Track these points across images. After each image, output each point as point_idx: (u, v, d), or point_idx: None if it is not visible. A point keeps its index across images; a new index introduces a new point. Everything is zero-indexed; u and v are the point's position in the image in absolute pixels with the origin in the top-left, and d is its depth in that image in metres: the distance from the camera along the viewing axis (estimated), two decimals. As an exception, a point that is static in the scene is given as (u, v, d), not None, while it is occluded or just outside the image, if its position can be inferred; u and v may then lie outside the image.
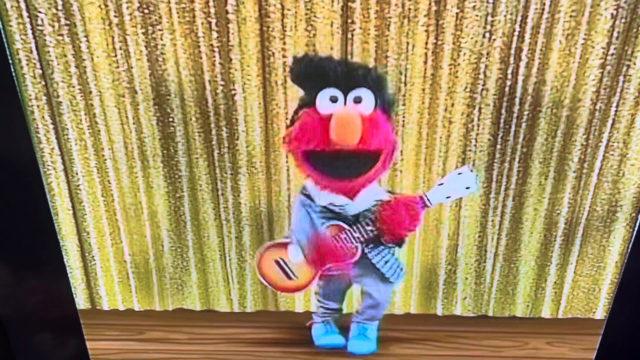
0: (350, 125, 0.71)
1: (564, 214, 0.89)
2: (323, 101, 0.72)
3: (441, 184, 0.80)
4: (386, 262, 0.86)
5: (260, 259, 0.87)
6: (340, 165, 0.74)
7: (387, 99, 0.76)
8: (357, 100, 0.72)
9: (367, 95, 0.72)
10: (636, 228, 0.89)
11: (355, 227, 0.81)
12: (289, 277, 0.87)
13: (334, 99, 0.72)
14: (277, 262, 0.87)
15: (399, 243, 0.82)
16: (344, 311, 0.96)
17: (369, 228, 0.80)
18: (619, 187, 0.86)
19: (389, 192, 0.81)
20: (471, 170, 0.81)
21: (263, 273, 0.88)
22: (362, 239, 0.82)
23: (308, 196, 0.81)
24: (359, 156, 0.73)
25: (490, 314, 1.00)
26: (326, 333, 0.94)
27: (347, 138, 0.71)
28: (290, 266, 0.86)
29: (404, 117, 0.82)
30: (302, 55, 0.77)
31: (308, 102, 0.75)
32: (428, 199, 0.81)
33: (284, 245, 0.85)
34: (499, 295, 0.98)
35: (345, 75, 0.73)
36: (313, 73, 0.74)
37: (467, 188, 0.82)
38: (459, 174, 0.80)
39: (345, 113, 0.71)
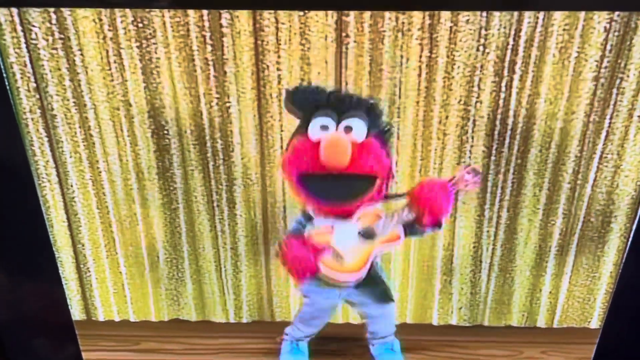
0: (339, 146, 0.71)
1: (558, 225, 0.89)
2: (314, 129, 0.73)
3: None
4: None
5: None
6: (334, 188, 0.74)
7: (381, 129, 0.76)
8: (348, 129, 0.72)
9: (357, 124, 0.72)
10: (630, 238, 0.89)
11: (391, 214, 0.79)
12: (342, 262, 0.84)
13: (324, 127, 0.73)
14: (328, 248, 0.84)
15: (439, 224, 0.81)
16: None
17: (405, 213, 0.78)
18: (613, 198, 0.86)
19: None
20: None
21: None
22: (401, 222, 0.80)
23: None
24: (352, 180, 0.73)
25: (485, 323, 1.00)
26: (291, 351, 0.93)
27: (337, 158, 0.71)
28: (341, 251, 0.84)
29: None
30: (294, 87, 0.78)
31: (301, 130, 0.75)
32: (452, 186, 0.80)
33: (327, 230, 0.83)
34: (494, 304, 0.98)
35: (337, 106, 0.73)
36: (305, 103, 0.74)
37: (475, 183, 0.81)
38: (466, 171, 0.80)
39: (334, 138, 0.71)
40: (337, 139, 0.72)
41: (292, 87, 0.78)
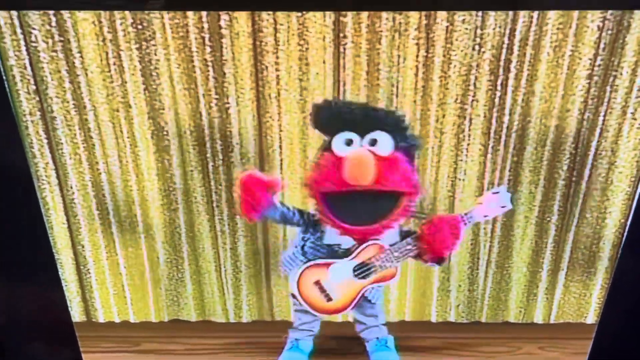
0: (362, 164, 0.70)
1: (554, 221, 0.91)
2: (339, 144, 0.73)
3: (480, 203, 0.80)
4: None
5: (299, 280, 0.85)
6: (359, 208, 0.73)
7: (408, 143, 0.76)
8: (373, 142, 0.72)
9: (383, 138, 0.72)
10: (625, 234, 0.90)
11: (396, 247, 0.80)
12: (329, 299, 0.84)
13: (349, 142, 0.73)
14: (317, 283, 0.85)
15: (440, 261, 0.81)
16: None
17: (410, 247, 0.79)
18: (608, 195, 0.87)
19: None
20: (507, 190, 0.82)
21: (303, 295, 0.86)
22: (402, 258, 0.81)
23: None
24: (377, 198, 0.73)
25: (483, 320, 1.01)
26: (290, 349, 0.93)
27: (360, 176, 0.71)
28: (330, 287, 0.84)
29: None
30: (322, 102, 0.78)
31: (326, 147, 0.75)
32: (468, 219, 0.82)
33: (325, 266, 0.84)
34: (491, 301, 0.99)
35: (362, 119, 0.73)
36: (331, 119, 0.74)
37: (503, 207, 0.82)
38: (495, 193, 0.81)
39: (358, 153, 0.71)
40: (360, 155, 0.72)
41: (319, 103, 0.78)
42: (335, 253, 0.82)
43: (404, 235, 0.82)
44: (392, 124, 0.74)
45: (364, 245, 0.79)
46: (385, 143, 0.72)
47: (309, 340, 0.93)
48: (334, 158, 0.73)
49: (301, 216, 0.82)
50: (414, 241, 0.78)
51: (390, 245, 0.80)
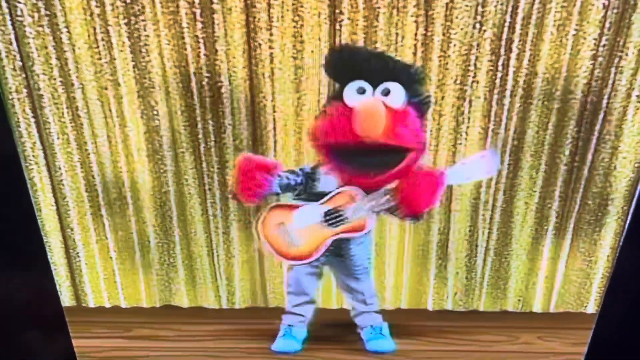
0: (374, 116, 0.68)
1: (555, 208, 0.88)
2: (350, 93, 0.70)
3: (464, 163, 0.77)
4: (353, 255, 0.82)
5: (264, 220, 0.82)
6: (365, 160, 0.71)
7: (420, 98, 0.72)
8: (385, 92, 0.69)
9: (396, 89, 0.68)
10: (628, 221, 0.88)
11: (370, 197, 0.77)
12: (292, 244, 0.82)
13: (361, 91, 0.70)
14: (281, 225, 0.81)
15: (417, 217, 0.78)
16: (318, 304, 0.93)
17: (384, 199, 0.76)
18: (611, 180, 0.85)
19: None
20: (495, 154, 0.78)
21: (266, 235, 0.81)
22: (375, 209, 0.77)
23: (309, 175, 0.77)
24: (383, 152, 0.70)
25: (481, 308, 0.99)
26: (283, 336, 0.91)
27: (371, 129, 0.68)
28: (294, 232, 0.81)
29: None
30: (337, 47, 0.74)
31: (337, 96, 0.72)
32: (450, 176, 0.77)
33: (290, 208, 0.80)
34: (490, 289, 0.97)
35: (378, 68, 0.69)
36: (346, 65, 0.70)
37: (488, 172, 0.79)
38: (482, 156, 0.78)
39: (370, 103, 0.68)
40: (372, 106, 0.68)
41: (333, 48, 0.75)
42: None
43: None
44: (407, 76, 0.71)
45: (337, 190, 0.76)
46: (398, 94, 0.69)
47: (302, 327, 0.91)
48: (343, 108, 0.70)
49: (303, 175, 0.79)
50: (389, 192, 0.75)
51: (366, 194, 0.77)
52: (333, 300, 1.00)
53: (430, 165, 0.79)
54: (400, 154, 0.71)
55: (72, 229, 0.91)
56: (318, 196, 0.77)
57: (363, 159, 0.72)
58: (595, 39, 0.75)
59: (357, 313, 0.90)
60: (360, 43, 0.76)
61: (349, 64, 0.70)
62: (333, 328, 0.97)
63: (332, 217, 0.77)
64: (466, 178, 0.76)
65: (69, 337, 0.98)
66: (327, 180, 0.77)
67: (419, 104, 0.72)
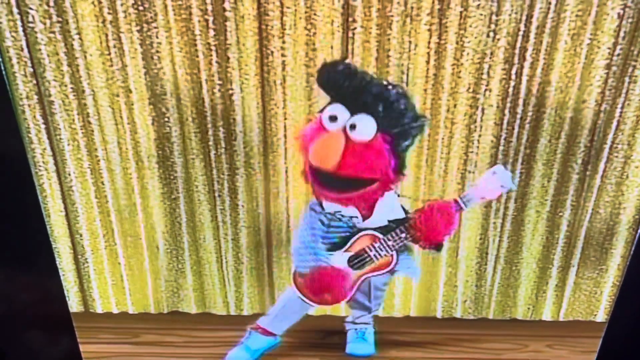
0: (328, 149, 0.69)
1: (566, 217, 0.88)
2: (325, 117, 0.71)
3: (476, 185, 0.78)
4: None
5: (295, 275, 0.85)
6: (331, 182, 0.72)
7: (403, 125, 0.72)
8: (352, 126, 0.69)
9: (365, 123, 0.68)
10: (639, 231, 0.88)
11: (389, 236, 0.79)
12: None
13: (333, 119, 0.70)
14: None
15: (437, 248, 0.80)
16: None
17: (404, 235, 0.78)
18: (623, 190, 0.85)
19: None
20: (505, 169, 0.79)
21: (296, 284, 0.86)
22: (397, 246, 0.80)
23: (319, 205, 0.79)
24: (342, 180, 0.71)
25: (490, 316, 0.99)
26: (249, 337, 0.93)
27: (323, 160, 0.69)
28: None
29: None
30: (329, 62, 0.75)
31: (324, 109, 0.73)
32: (463, 202, 0.78)
33: None
34: (499, 297, 0.97)
35: (354, 96, 0.69)
36: (330, 83, 0.71)
37: (502, 186, 0.79)
38: (494, 173, 0.78)
39: (330, 137, 0.69)
40: (329, 141, 0.69)
41: (326, 62, 0.75)
42: (339, 220, 0.80)
43: (398, 223, 0.80)
44: (388, 106, 0.70)
45: (358, 235, 0.78)
46: (365, 129, 0.69)
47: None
48: (316, 126, 0.71)
49: None
50: (407, 229, 0.77)
51: (384, 235, 0.78)
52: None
53: (442, 198, 0.82)
54: (360, 183, 0.72)
55: (81, 235, 0.91)
56: (331, 216, 0.78)
57: (330, 181, 0.73)
58: (609, 48, 0.74)
59: (353, 319, 0.91)
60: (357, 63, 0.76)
61: (332, 84, 0.70)
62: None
63: (357, 262, 0.79)
64: (480, 198, 0.77)
65: (74, 338, 0.98)
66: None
67: (403, 130, 0.72)
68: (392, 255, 0.80)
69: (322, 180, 0.74)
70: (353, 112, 0.70)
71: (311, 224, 0.81)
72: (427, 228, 0.75)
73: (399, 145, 0.73)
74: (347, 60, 0.74)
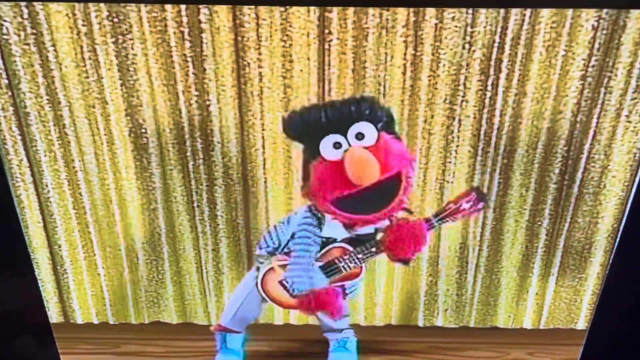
0: (366, 165, 0.71)
1: (545, 226, 0.88)
2: (327, 150, 0.72)
3: (451, 204, 0.80)
4: None
5: (264, 279, 0.86)
6: (365, 202, 0.74)
7: (384, 122, 0.74)
8: (359, 137, 0.71)
9: (367, 129, 0.71)
10: (617, 239, 0.88)
11: (359, 249, 0.81)
12: (293, 295, 0.87)
13: (337, 145, 0.72)
14: (281, 282, 0.87)
15: (405, 262, 0.82)
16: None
17: (373, 250, 0.79)
18: (600, 199, 0.85)
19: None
20: (481, 190, 0.81)
21: (270, 296, 0.88)
22: (365, 260, 0.82)
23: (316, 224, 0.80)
24: (382, 186, 0.73)
25: (471, 325, 0.99)
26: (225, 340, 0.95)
27: (368, 176, 0.72)
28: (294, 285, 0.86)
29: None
30: (289, 113, 0.76)
31: (313, 153, 0.74)
32: (437, 222, 0.81)
33: (284, 267, 0.86)
34: (480, 306, 0.97)
35: (338, 118, 0.72)
36: (304, 127, 0.73)
37: (478, 207, 0.81)
38: (467, 201, 0.80)
39: (356, 156, 0.71)
40: (359, 156, 0.71)
41: (287, 114, 0.77)
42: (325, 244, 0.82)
43: (369, 237, 0.81)
44: (367, 109, 0.73)
45: (328, 247, 0.79)
46: (370, 133, 0.71)
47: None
48: (330, 166, 0.73)
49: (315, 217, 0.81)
50: (376, 244, 0.79)
51: (354, 248, 0.80)
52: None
53: (413, 217, 0.83)
54: (395, 183, 0.73)
55: (59, 246, 0.90)
56: (323, 240, 0.80)
57: (363, 202, 0.74)
58: (584, 59, 0.75)
59: (326, 329, 0.92)
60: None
61: (309, 125, 0.72)
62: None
63: (328, 271, 0.80)
64: (455, 219, 0.78)
65: (57, 353, 0.97)
66: (333, 224, 0.79)
67: (386, 126, 0.75)
68: (361, 267, 0.82)
69: (355, 206, 0.75)
70: (345, 132, 0.71)
71: (306, 247, 0.83)
72: (395, 247, 0.76)
73: (397, 138, 0.76)
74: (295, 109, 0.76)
